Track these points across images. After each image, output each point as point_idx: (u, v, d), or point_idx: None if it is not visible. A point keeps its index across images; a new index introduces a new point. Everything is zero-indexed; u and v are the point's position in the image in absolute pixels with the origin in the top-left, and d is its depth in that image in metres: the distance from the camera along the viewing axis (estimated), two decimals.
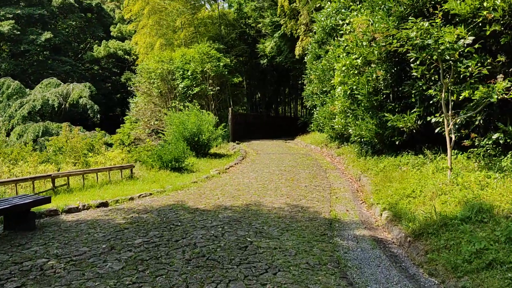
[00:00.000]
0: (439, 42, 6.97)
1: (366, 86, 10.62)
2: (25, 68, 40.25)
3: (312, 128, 21.27)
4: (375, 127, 10.87)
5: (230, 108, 23.05)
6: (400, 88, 9.92)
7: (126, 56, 43.26)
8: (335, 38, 14.60)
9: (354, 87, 11.31)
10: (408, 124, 9.65)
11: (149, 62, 22.80)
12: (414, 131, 9.83)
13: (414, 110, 9.66)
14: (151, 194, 9.25)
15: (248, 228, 6.52)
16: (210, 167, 13.50)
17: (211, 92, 22.60)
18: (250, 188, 9.92)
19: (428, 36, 7.06)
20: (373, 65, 10.53)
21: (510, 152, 7.16)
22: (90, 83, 45.09)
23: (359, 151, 13.38)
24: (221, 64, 22.84)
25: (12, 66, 37.86)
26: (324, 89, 16.72)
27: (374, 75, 10.53)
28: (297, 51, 22.59)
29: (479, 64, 7.13)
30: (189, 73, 22.07)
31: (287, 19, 22.99)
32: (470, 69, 7.08)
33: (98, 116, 36.83)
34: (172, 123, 15.84)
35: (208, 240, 5.88)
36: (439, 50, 7.02)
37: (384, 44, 9.76)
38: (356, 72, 11.07)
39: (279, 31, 24.56)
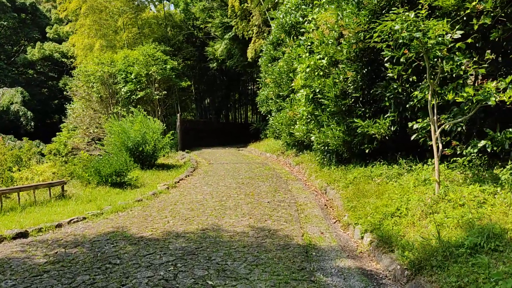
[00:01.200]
0: (428, 36, 5.97)
1: (333, 89, 9.57)
2: None
3: (267, 135, 20.13)
4: (343, 134, 9.85)
5: (178, 114, 21.46)
6: (372, 91, 8.93)
7: (63, 59, 40.26)
8: (295, 37, 13.54)
9: (318, 90, 10.25)
10: (381, 130, 8.69)
11: (88, 65, 20.74)
12: (387, 138, 8.89)
13: (388, 114, 8.72)
14: (84, 218, 7.60)
15: (208, 265, 5.14)
16: (157, 181, 11.92)
17: (157, 97, 20.90)
18: (206, 207, 8.51)
19: (415, 29, 6.04)
20: (341, 66, 9.49)
21: (510, 162, 6.26)
22: (24, 88, 41.63)
23: (321, 159, 12.35)
24: (168, 67, 21.22)
25: None
26: (280, 94, 15.63)
27: (341, 76, 9.50)
28: (250, 53, 21.43)
29: (471, 63, 6.21)
30: (132, 76, 20.25)
31: (238, 20, 21.80)
32: (463, 67, 6.14)
33: (32, 123, 33.90)
34: (113, 131, 14.08)
35: (157, 287, 4.45)
36: (428, 45, 6.01)
37: (354, 41, 8.76)
38: (321, 73, 10.01)
39: (230, 33, 23.32)
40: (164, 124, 20.84)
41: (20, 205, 8.59)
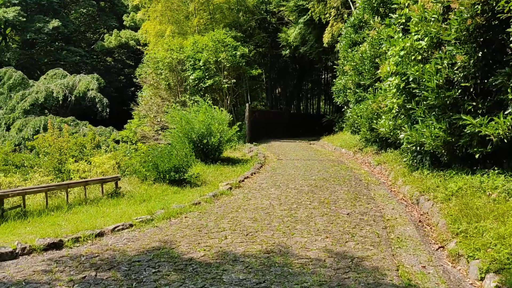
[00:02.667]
0: None
1: (435, 77, 7.65)
2: (33, 58, 38.15)
3: (343, 128, 18.28)
4: (443, 133, 7.92)
5: (247, 104, 20.24)
6: (489, 80, 6.94)
7: (138, 47, 40.79)
8: (383, 16, 11.59)
9: (413, 78, 8.37)
10: (499, 131, 6.70)
11: (157, 51, 20.11)
12: (506, 140, 6.88)
13: (510, 111, 6.71)
14: (131, 225, 6.50)
15: None
16: (220, 178, 10.72)
17: (226, 85, 19.80)
18: (272, 217, 7.09)
19: None
20: (447, 48, 7.54)
21: None
22: (103, 75, 42.84)
23: (410, 161, 10.43)
24: (238, 53, 20.02)
25: (17, 55, 35.73)
26: (361, 83, 13.76)
27: (446, 61, 7.56)
28: (326, 38, 19.59)
29: None
30: (201, 63, 19.30)
31: (314, 2, 20.01)
32: None
33: (108, 110, 34.48)
34: (176, 121, 13.10)
35: None
36: None
37: (469, 15, 6.80)
38: (419, 58, 8.12)
39: (305, 17, 21.58)
40: (231, 115, 19.77)
41: (67, 204, 7.74)
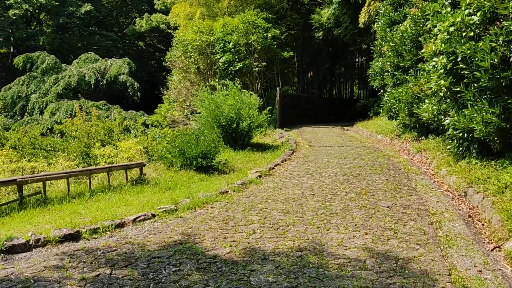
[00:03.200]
0: None
1: (489, 56, 6.82)
2: (66, 43, 38.52)
3: (381, 113, 17.38)
4: (497, 119, 7.11)
5: (278, 88, 19.56)
6: None
7: (169, 30, 40.55)
8: None
9: (462, 58, 7.55)
10: None
11: (187, 33, 19.64)
12: None
13: None
14: (154, 216, 6.08)
15: None
16: (249, 166, 10.21)
17: (257, 69, 19.17)
18: (305, 209, 6.53)
19: None
20: (504, 23, 6.68)
21: None
22: (134, 59, 42.91)
23: (455, 149, 9.60)
24: (269, 35, 19.30)
25: (50, 39, 36.11)
26: (401, 64, 12.86)
27: (501, 38, 6.71)
28: (362, 18, 18.59)
29: None
30: (230, 46, 18.71)
31: None
32: None
33: (139, 94, 34.48)
34: (205, 106, 12.64)
35: None
36: None
37: None
38: (471, 34, 7.27)
39: None
40: (261, 100, 19.18)
41: (90, 191, 7.41)
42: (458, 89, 7.95)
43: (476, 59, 7.04)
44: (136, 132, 28.27)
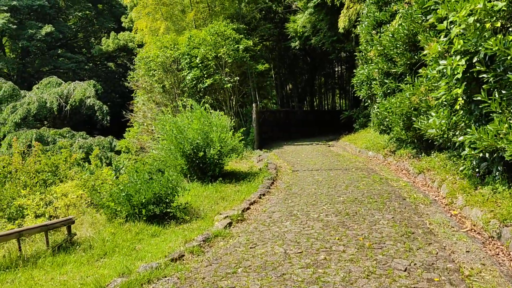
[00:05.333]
0: None
1: None
2: (29, 67, 36.10)
3: (369, 126, 15.55)
4: None
5: (254, 105, 17.59)
6: None
7: (138, 49, 38.55)
8: None
9: (477, 60, 5.73)
10: None
11: (149, 49, 17.63)
12: None
13: None
14: None
15: None
16: (218, 206, 8.14)
17: (229, 85, 17.20)
18: (289, 282, 4.49)
19: None
20: None
21: None
22: (105, 81, 40.71)
23: (469, 171, 7.74)
24: (241, 47, 17.40)
25: (9, 65, 33.67)
26: (392, 71, 11.07)
27: None
28: (342, 22, 16.85)
29: None
30: (197, 61, 16.73)
31: None
32: None
33: (108, 118, 32.16)
34: (166, 131, 10.59)
35: None
36: None
37: None
38: (498, 25, 5.43)
39: (315, 0, 18.81)
40: (236, 118, 17.23)
41: None
42: (479, 97, 6.09)
43: (509, 56, 5.19)
44: (107, 160, 25.98)
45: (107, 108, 32.08)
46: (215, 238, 6.22)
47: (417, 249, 5.44)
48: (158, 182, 7.32)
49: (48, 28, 33.07)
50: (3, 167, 11.01)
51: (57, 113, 29.03)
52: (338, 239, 5.91)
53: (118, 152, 26.71)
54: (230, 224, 6.87)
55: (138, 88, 18.87)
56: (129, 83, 20.20)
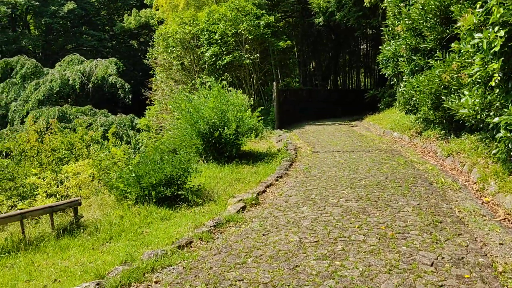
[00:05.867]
0: None
1: None
2: (53, 45, 36.22)
3: (395, 106, 14.84)
4: None
5: (274, 83, 17.04)
6: None
7: (160, 26, 38.14)
8: None
9: None
10: None
11: (168, 26, 17.19)
12: None
13: None
14: None
15: None
16: (233, 188, 7.78)
17: (248, 61, 16.67)
18: (301, 279, 4.11)
19: None
20: None
21: None
22: (127, 58, 40.56)
23: (503, 154, 7.12)
24: (262, 23, 16.77)
25: (33, 42, 33.83)
26: (421, 46, 10.36)
27: None
28: None
29: None
30: (217, 37, 16.23)
31: None
32: None
33: (130, 96, 32.07)
34: (181, 110, 10.24)
35: None
36: None
37: None
38: None
39: None
40: (256, 97, 16.75)
41: None
42: None
43: None
44: (127, 139, 25.97)
45: (129, 86, 31.97)
46: (227, 223, 5.87)
47: (445, 241, 4.97)
48: (169, 163, 6.99)
49: (70, 5, 32.97)
50: (19, 144, 10.87)
51: (80, 90, 29.08)
52: (358, 227, 5.47)
53: (140, 131, 26.62)
54: (243, 208, 6.51)
55: (157, 65, 18.54)
56: (148, 60, 19.87)
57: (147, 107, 24.66)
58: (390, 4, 12.07)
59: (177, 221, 6.12)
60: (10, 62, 27.89)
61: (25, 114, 26.21)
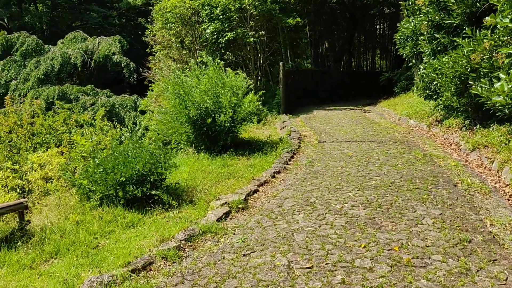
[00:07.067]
0: None
1: None
2: (58, 21, 35.01)
3: (412, 90, 13.52)
4: None
5: (281, 64, 15.67)
6: None
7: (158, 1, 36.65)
8: None
9: None
10: None
11: (168, 1, 15.89)
12: None
13: None
14: None
15: None
16: (220, 187, 6.64)
17: (252, 39, 15.34)
18: None
19: None
20: None
21: None
22: (134, 36, 39.24)
23: None
24: None
25: (37, 19, 32.74)
26: (445, 23, 8.98)
27: None
28: None
29: None
30: (218, 11, 14.91)
31: None
32: None
33: (135, 76, 30.97)
34: (170, 92, 9.08)
35: None
36: None
37: None
38: None
39: None
40: (257, 80, 15.52)
41: None
42: None
43: None
44: (130, 120, 24.98)
45: (134, 65, 30.86)
46: (202, 236, 4.77)
47: (477, 271, 3.80)
48: (142, 157, 5.87)
49: None
50: None
51: (82, 69, 28.06)
52: (364, 246, 4.32)
53: (144, 112, 25.58)
54: (227, 214, 5.40)
55: (155, 43, 17.36)
56: (147, 37, 18.68)
57: (149, 88, 23.58)
58: None
59: (144, 230, 5.03)
60: (10, 39, 26.92)
61: (25, 93, 25.36)
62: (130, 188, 5.57)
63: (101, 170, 5.79)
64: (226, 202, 5.69)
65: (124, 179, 5.60)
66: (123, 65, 29.48)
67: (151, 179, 5.82)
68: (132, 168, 5.68)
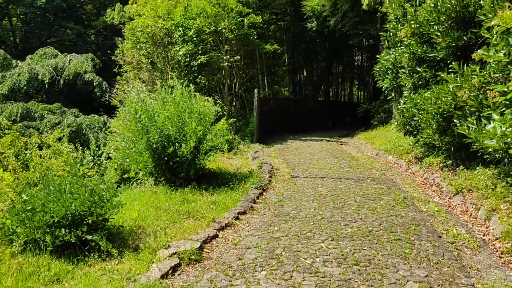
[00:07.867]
0: None
1: None
2: (28, 37, 33.90)
3: (393, 125, 13.00)
4: None
5: (255, 90, 14.99)
6: None
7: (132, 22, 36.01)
8: None
9: None
10: None
11: (140, 19, 15.15)
12: None
13: None
14: None
15: None
16: (174, 230, 5.72)
17: (226, 63, 14.66)
18: None
19: None
20: None
21: None
22: (109, 56, 38.32)
23: None
24: (246, 21, 14.82)
25: (8, 33, 31.54)
26: (429, 55, 8.46)
27: None
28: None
29: None
30: (191, 33, 14.21)
31: None
32: None
33: (107, 95, 29.86)
34: (131, 116, 8.21)
35: None
36: None
37: None
38: None
39: None
40: (230, 106, 14.84)
41: None
42: None
43: None
44: (99, 143, 23.81)
45: (106, 85, 29.85)
46: None
47: None
48: (81, 193, 4.94)
49: None
50: None
51: (50, 87, 26.85)
52: None
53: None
54: (175, 268, 4.49)
55: (125, 63, 16.52)
56: (116, 57, 17.82)
57: (118, 109, 22.59)
58: (393, 5, 10.17)
59: (70, 287, 4.07)
60: None
61: None
62: (60, 232, 4.62)
63: (29, 208, 4.83)
64: (176, 252, 4.79)
65: (56, 220, 4.65)
66: (95, 84, 28.50)
67: (89, 221, 4.89)
68: (67, 207, 4.74)
